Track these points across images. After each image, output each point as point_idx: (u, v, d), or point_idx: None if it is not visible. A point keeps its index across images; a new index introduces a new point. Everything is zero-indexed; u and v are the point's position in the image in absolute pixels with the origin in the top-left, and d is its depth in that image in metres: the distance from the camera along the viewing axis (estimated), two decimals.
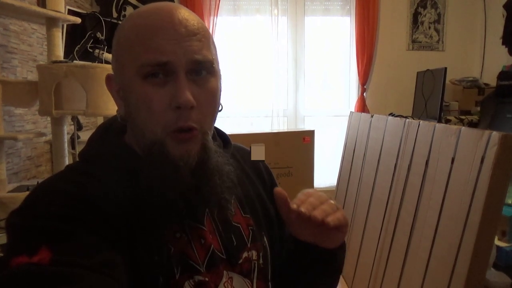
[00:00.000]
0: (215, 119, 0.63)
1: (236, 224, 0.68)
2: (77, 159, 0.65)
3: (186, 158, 0.57)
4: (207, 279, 0.60)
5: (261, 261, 0.69)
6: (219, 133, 0.73)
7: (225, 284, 0.63)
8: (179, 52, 0.55)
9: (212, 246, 0.63)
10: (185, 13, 0.58)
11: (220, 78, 0.62)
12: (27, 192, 0.56)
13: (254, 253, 0.68)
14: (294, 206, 0.59)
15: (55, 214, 0.51)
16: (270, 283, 0.71)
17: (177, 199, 0.57)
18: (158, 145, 0.57)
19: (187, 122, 0.56)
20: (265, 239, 0.72)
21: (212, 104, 0.60)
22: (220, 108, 0.63)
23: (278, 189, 0.60)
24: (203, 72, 0.58)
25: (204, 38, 0.59)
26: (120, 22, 3.17)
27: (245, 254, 0.67)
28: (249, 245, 0.68)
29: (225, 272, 0.63)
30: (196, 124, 0.57)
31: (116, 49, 0.60)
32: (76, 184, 0.56)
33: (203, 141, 0.59)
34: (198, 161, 0.58)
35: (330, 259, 0.68)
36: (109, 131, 0.66)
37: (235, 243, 0.66)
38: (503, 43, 3.11)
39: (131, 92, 0.58)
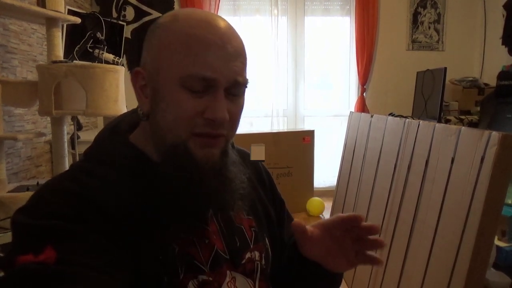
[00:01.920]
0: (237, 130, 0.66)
1: (239, 226, 0.69)
2: (82, 157, 0.65)
3: (211, 160, 0.58)
4: (211, 278, 0.60)
5: (263, 262, 0.70)
6: None
7: (228, 284, 0.63)
8: (225, 71, 0.57)
9: (216, 246, 0.63)
10: (231, 30, 0.60)
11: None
12: (27, 192, 0.57)
13: (256, 253, 0.69)
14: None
15: (60, 213, 0.52)
16: (270, 284, 0.72)
17: (196, 202, 0.58)
18: (182, 146, 0.57)
19: (215, 130, 0.58)
20: (267, 240, 0.73)
21: (239, 117, 0.63)
22: None
23: (296, 222, 0.63)
24: (238, 91, 0.60)
25: (245, 60, 0.61)
26: (120, 22, 3.17)
27: (248, 255, 0.68)
28: (252, 246, 0.69)
29: (228, 272, 0.64)
30: (225, 131, 0.60)
31: (155, 50, 0.59)
32: (82, 184, 0.57)
33: (224, 148, 0.61)
34: (220, 164, 0.60)
35: (331, 279, 0.70)
36: (116, 130, 0.66)
37: (238, 244, 0.67)
38: (503, 43, 3.11)
39: (165, 96, 0.57)
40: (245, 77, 0.60)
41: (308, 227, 0.63)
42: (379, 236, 1.90)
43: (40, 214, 0.52)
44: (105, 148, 0.63)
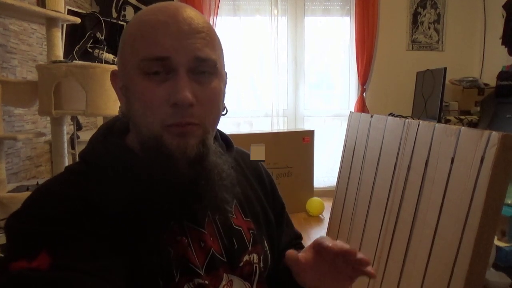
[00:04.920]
0: (218, 119, 0.62)
1: (237, 228, 0.68)
2: (77, 160, 0.64)
3: (183, 149, 0.56)
4: (206, 282, 0.60)
5: (261, 265, 0.69)
6: (222, 136, 0.73)
7: (225, 287, 0.62)
8: (180, 49, 0.54)
9: (212, 249, 0.63)
10: (191, 12, 0.57)
11: (224, 81, 0.62)
12: (27, 192, 0.56)
13: (255, 256, 0.68)
14: (330, 244, 0.58)
15: (54, 217, 0.51)
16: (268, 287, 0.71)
17: (175, 195, 0.56)
18: (155, 139, 0.56)
19: (185, 118, 0.55)
20: (265, 242, 0.72)
21: (213, 103, 0.58)
22: (224, 112, 0.63)
23: (289, 253, 0.60)
24: (205, 71, 0.57)
25: (209, 37, 0.57)
26: (120, 22, 3.17)
27: (246, 257, 0.67)
28: (250, 249, 0.68)
29: (225, 275, 0.63)
30: (196, 120, 0.56)
31: (121, 45, 0.60)
32: (76, 186, 0.56)
33: (203, 138, 0.58)
34: (197, 155, 0.57)
35: None
36: (111, 132, 0.65)
37: (236, 246, 0.66)
38: (502, 43, 3.11)
39: (132, 87, 0.57)
40: (208, 54, 0.56)
41: (301, 254, 0.60)
42: (379, 235, 1.89)
43: (33, 219, 0.51)
44: (100, 150, 0.62)
